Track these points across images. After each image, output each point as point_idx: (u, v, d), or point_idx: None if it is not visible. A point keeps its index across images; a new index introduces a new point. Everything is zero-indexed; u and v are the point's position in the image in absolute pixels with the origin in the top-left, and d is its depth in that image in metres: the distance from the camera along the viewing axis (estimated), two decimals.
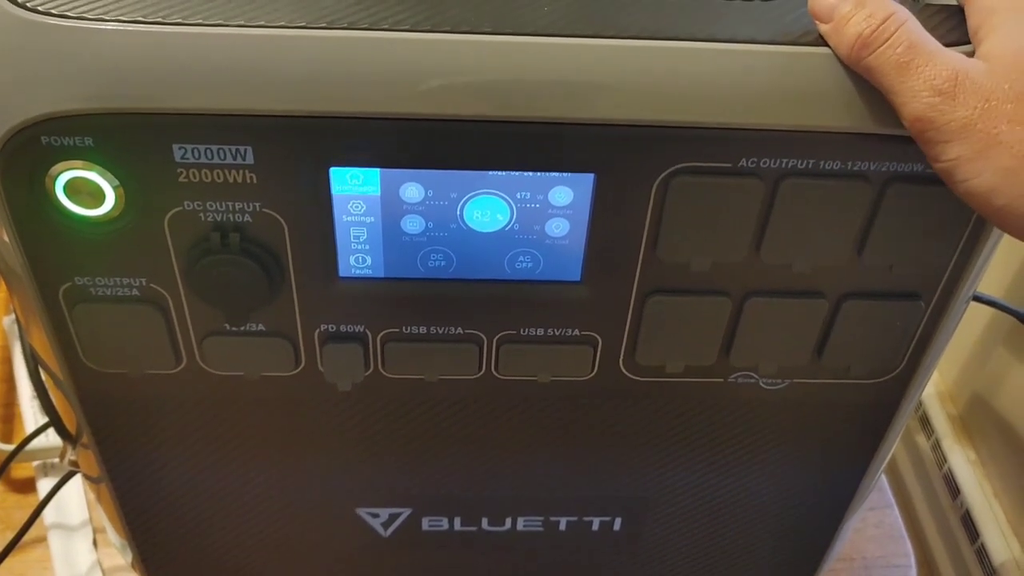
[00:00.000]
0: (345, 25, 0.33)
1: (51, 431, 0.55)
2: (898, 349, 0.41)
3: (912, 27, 0.32)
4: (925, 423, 1.08)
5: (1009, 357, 0.96)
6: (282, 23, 0.33)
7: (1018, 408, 0.96)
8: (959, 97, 0.30)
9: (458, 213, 0.36)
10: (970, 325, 1.00)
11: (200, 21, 0.33)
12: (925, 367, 0.43)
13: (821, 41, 0.33)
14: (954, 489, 1.02)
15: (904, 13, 0.32)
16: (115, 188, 0.34)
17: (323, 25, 0.33)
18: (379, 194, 0.35)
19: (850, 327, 0.39)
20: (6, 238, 0.36)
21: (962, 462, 1.02)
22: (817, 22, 0.34)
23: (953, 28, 0.34)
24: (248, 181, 0.34)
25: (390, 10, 0.34)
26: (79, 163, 0.34)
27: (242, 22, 0.33)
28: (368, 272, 0.38)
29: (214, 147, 0.34)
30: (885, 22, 0.32)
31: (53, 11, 0.32)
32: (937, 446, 1.06)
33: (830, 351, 0.40)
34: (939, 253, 0.38)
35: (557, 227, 0.36)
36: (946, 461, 1.03)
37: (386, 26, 0.33)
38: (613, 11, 0.34)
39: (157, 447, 0.46)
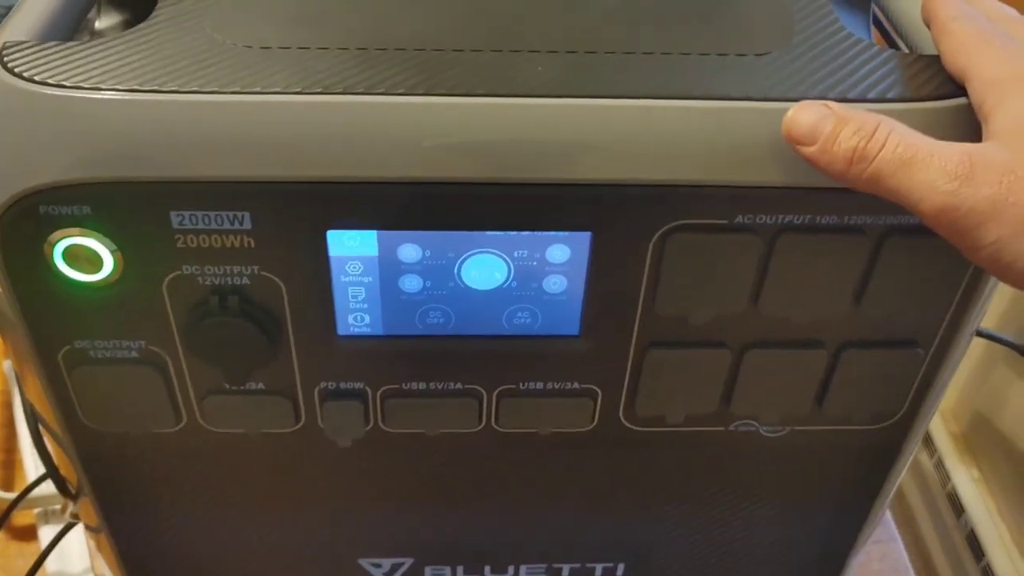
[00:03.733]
0: (341, 90, 0.33)
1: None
2: (899, 395, 0.41)
3: (904, 129, 0.31)
4: (927, 442, 1.08)
5: (1010, 374, 0.96)
6: (278, 89, 0.33)
7: (1020, 426, 0.95)
8: (978, 176, 0.29)
9: (456, 272, 0.36)
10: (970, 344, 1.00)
11: (196, 89, 0.33)
12: (927, 410, 0.43)
13: (814, 95, 0.34)
14: (958, 508, 1.02)
15: (889, 120, 0.31)
16: (113, 254, 0.34)
17: (319, 90, 0.33)
18: (377, 255, 0.35)
19: (850, 376, 0.39)
20: (6, 303, 0.36)
21: (965, 480, 1.02)
22: (798, 147, 0.32)
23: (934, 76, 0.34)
24: (246, 245, 0.34)
25: (386, 73, 0.34)
26: (77, 230, 0.34)
27: (238, 89, 0.33)
28: (367, 330, 0.38)
29: (212, 213, 0.34)
30: (877, 130, 0.31)
31: (50, 80, 0.33)
32: (940, 465, 1.06)
33: (831, 399, 0.40)
34: (938, 302, 0.38)
35: (555, 284, 0.37)
36: (949, 480, 1.03)
37: (382, 90, 0.33)
38: (607, 70, 0.34)
39: (158, 501, 0.46)
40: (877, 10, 0.48)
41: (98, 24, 0.50)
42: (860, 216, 0.35)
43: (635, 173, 0.33)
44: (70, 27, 0.40)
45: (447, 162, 0.33)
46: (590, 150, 0.33)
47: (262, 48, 0.35)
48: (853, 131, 0.31)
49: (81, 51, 0.34)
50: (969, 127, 0.33)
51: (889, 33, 0.48)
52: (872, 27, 0.52)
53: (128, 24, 0.50)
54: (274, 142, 0.33)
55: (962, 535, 1.01)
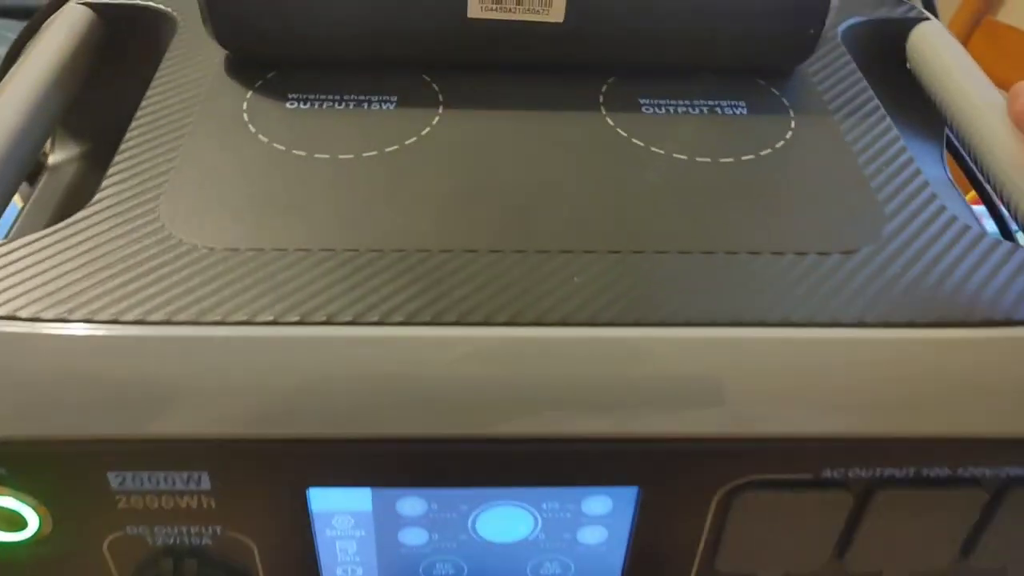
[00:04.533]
0: (323, 319, 0.26)
1: None
2: None
3: None
4: None
5: None
6: (242, 318, 0.26)
7: None
8: None
9: (470, 525, 0.29)
10: None
11: (139, 318, 0.26)
12: None
13: (922, 323, 0.27)
14: None
15: None
16: (37, 510, 0.27)
17: (295, 319, 0.26)
18: (371, 510, 0.28)
19: None
20: None
21: None
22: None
23: None
24: (205, 506, 0.27)
25: (381, 291, 0.27)
26: None
27: (192, 318, 0.26)
28: None
29: (160, 474, 0.27)
30: None
31: None
32: None
33: None
34: None
35: (592, 535, 0.29)
36: None
37: (375, 318, 0.26)
38: (660, 282, 0.27)
39: None
40: (950, 134, 0.41)
41: (51, 159, 0.43)
42: (976, 467, 0.28)
43: (696, 426, 0.26)
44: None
45: (457, 415, 0.26)
46: (641, 398, 0.26)
47: (227, 250, 0.28)
48: None
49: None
50: None
51: (964, 159, 0.41)
52: (945, 151, 0.46)
53: (85, 158, 0.43)
54: (237, 391, 0.26)
55: None
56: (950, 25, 0.88)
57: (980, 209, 0.44)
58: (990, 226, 0.43)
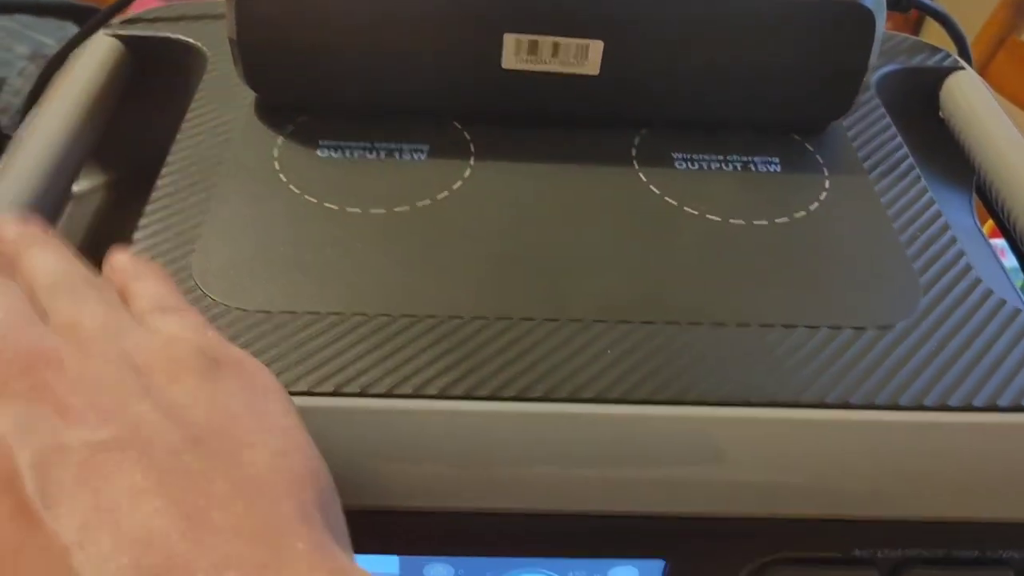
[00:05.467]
0: (358, 390, 0.26)
1: None
2: None
3: None
4: None
5: None
6: None
7: None
8: None
9: None
10: None
11: None
12: None
13: (954, 407, 0.27)
14: None
15: None
16: None
17: (330, 390, 0.26)
18: (398, 574, 0.28)
19: None
20: None
21: None
22: None
23: None
24: None
25: (414, 362, 0.27)
26: None
27: None
28: None
29: None
30: None
31: None
32: None
33: None
34: None
35: None
36: None
37: (409, 391, 0.26)
38: (693, 357, 0.27)
39: None
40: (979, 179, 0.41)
41: (76, 187, 0.43)
42: (1004, 550, 0.28)
43: (727, 505, 0.26)
44: None
45: (488, 489, 0.26)
46: (673, 476, 0.26)
47: (260, 312, 0.28)
48: None
49: None
50: None
51: (992, 205, 0.41)
52: (974, 197, 0.45)
53: (110, 187, 0.43)
54: None
55: None
56: (974, 44, 0.87)
57: (1000, 242, 0.43)
58: (1011, 261, 0.42)
